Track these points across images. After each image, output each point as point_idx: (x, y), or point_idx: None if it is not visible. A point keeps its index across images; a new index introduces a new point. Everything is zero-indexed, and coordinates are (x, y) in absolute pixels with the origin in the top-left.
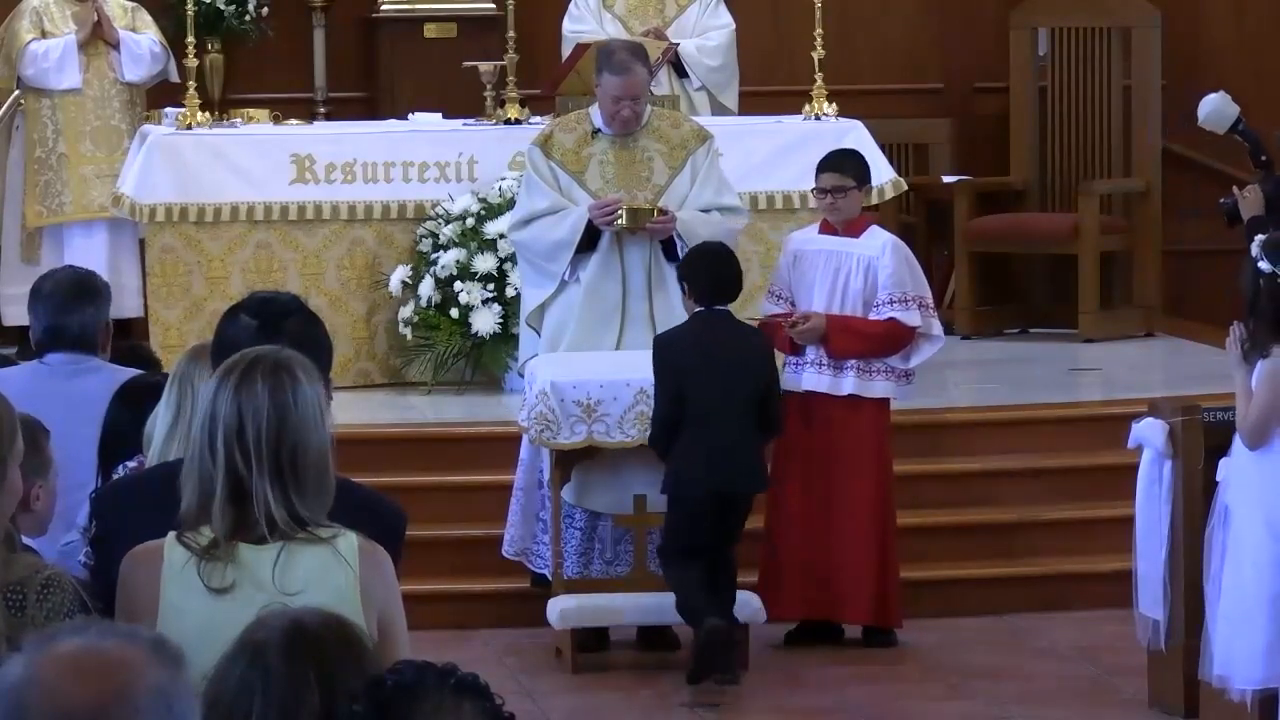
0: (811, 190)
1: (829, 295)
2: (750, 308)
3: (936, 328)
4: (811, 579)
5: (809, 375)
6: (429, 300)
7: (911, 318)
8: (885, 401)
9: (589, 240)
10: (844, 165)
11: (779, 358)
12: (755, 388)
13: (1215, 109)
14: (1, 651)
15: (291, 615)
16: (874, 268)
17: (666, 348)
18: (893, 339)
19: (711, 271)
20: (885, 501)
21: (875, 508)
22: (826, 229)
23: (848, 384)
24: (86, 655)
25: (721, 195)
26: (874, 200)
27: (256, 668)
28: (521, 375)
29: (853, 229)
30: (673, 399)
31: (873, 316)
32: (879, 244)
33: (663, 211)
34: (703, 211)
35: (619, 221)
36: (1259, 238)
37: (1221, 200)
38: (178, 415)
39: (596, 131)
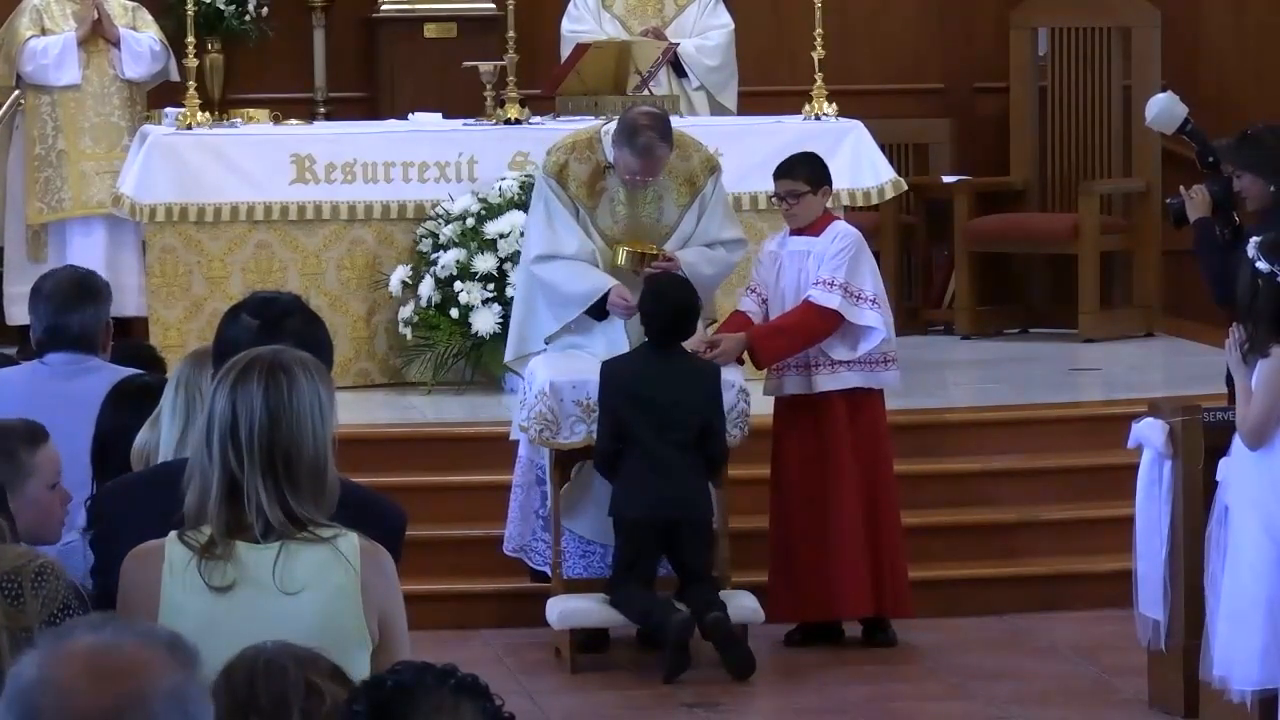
0: (770, 197)
1: (795, 296)
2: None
3: (870, 318)
4: (813, 578)
5: (789, 379)
6: (429, 300)
7: (829, 300)
8: (868, 394)
9: (600, 307)
10: (796, 171)
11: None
12: (696, 422)
13: (1164, 109)
14: (2, 642)
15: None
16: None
17: (611, 377)
18: (811, 322)
19: (670, 313)
20: (880, 494)
21: (868, 501)
22: (794, 230)
23: (820, 381)
24: (101, 656)
25: (724, 229)
26: (874, 200)
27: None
28: (514, 371)
29: (814, 229)
30: (612, 430)
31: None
32: (832, 237)
33: (668, 257)
34: (706, 246)
35: (619, 262)
36: (1255, 239)
37: (1168, 200)
38: (187, 422)
39: (609, 166)
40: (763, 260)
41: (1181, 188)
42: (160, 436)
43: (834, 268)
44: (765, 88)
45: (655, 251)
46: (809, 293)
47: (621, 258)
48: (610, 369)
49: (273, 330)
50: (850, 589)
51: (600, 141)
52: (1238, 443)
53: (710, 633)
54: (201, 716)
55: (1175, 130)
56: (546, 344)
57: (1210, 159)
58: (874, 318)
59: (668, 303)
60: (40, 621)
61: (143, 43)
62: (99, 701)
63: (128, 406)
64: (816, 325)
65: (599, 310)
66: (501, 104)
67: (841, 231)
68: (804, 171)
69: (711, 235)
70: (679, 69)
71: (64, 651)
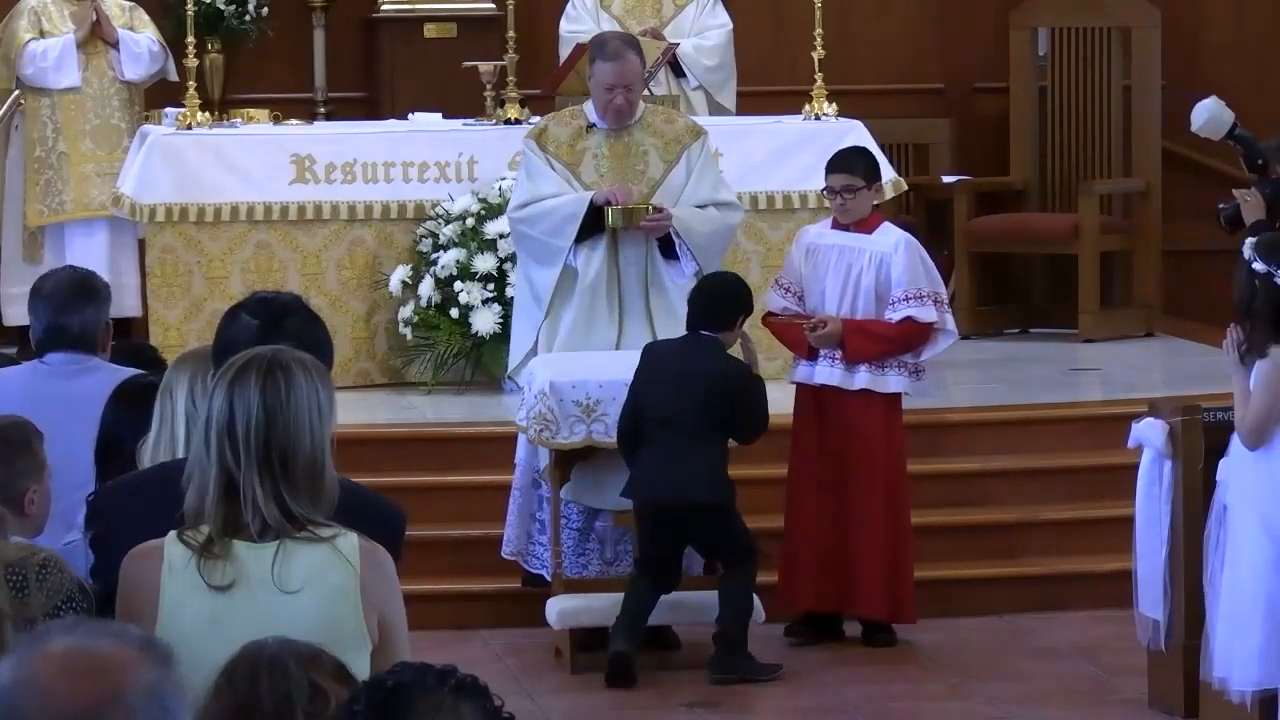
0: (822, 190)
1: (840, 291)
2: (756, 304)
3: (950, 322)
4: (826, 572)
5: (822, 369)
6: (429, 300)
7: (927, 313)
8: (898, 396)
9: (591, 224)
10: (854, 165)
11: (787, 357)
12: (718, 402)
13: (1211, 115)
14: (6, 632)
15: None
16: (886, 264)
17: (647, 355)
18: (909, 338)
19: (703, 300)
20: (898, 497)
21: (888, 503)
22: (839, 225)
23: (861, 378)
24: (79, 656)
25: (718, 191)
26: (875, 200)
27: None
28: (514, 380)
29: (864, 226)
30: (632, 407)
31: (888, 314)
32: (891, 240)
33: (657, 209)
34: (699, 207)
35: (610, 221)
36: (1250, 239)
37: (1221, 205)
38: (160, 427)
39: (591, 126)
40: (792, 257)
41: (1235, 191)
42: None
43: (913, 277)
44: (765, 88)
45: (645, 205)
46: (908, 310)
47: (611, 217)
48: (650, 346)
49: (272, 330)
50: (867, 587)
51: (582, 110)
52: (1236, 443)
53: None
54: (178, 713)
55: (1223, 136)
56: (546, 315)
57: (1259, 161)
58: (953, 323)
59: (704, 289)
60: (44, 613)
61: (141, 44)
62: (79, 700)
63: (131, 406)
64: (912, 339)
65: (589, 228)
66: (501, 104)
67: (902, 236)
68: (861, 166)
69: (704, 196)
70: (677, 69)
71: (41, 653)
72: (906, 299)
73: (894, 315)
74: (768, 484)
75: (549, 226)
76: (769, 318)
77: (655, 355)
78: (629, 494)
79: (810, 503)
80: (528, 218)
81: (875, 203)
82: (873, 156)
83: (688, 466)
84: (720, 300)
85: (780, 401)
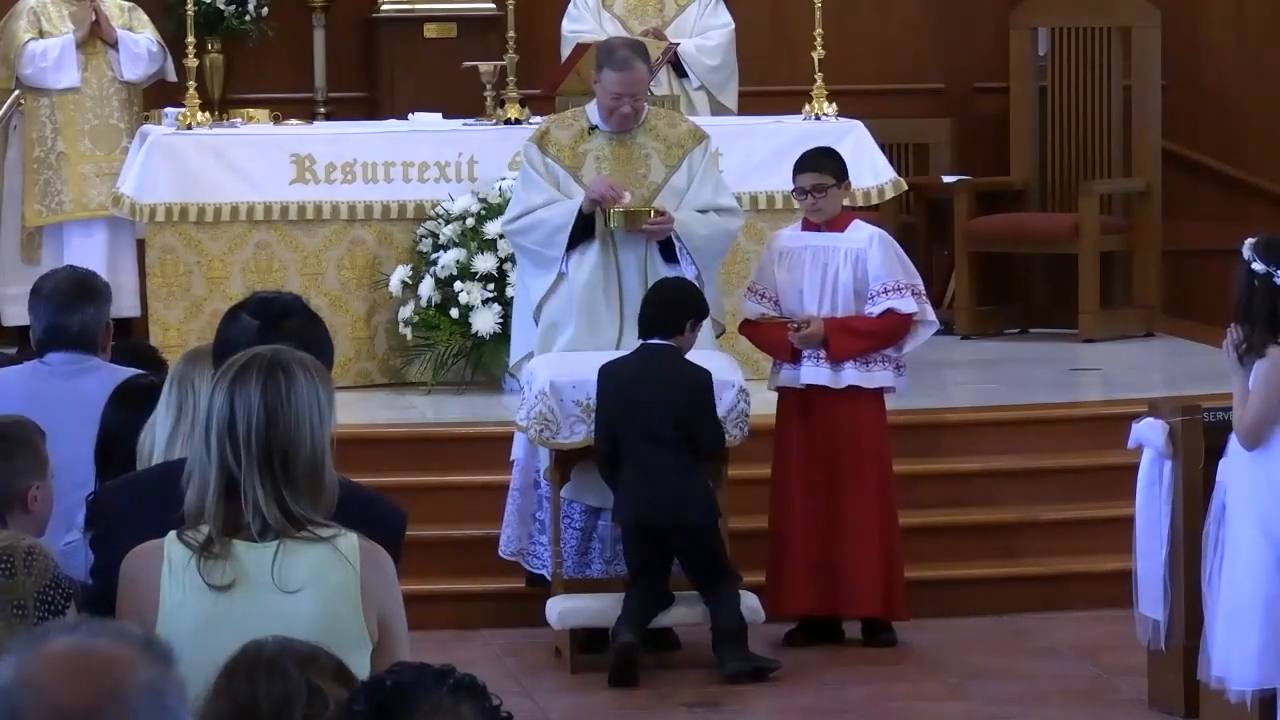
0: (791, 191)
1: (819, 291)
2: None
3: (930, 313)
4: (817, 574)
5: (807, 369)
6: (429, 300)
7: (907, 305)
8: (881, 392)
9: (584, 229)
10: (822, 164)
11: (768, 361)
12: (679, 420)
13: None
14: None
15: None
16: (862, 260)
17: (604, 378)
18: (891, 330)
19: (652, 307)
20: (887, 494)
21: (878, 500)
22: (809, 226)
23: (847, 375)
24: (78, 655)
25: (719, 195)
26: (874, 200)
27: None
28: (514, 377)
29: (836, 225)
30: (605, 432)
31: (868, 309)
32: (865, 236)
33: (660, 212)
34: (700, 212)
35: (612, 224)
36: (1249, 240)
37: None
38: (179, 418)
39: (593, 128)
40: (764, 264)
41: None
42: (154, 435)
43: (890, 270)
44: (765, 88)
45: (647, 209)
46: (888, 302)
47: (613, 219)
48: (605, 368)
49: (273, 330)
50: (862, 586)
51: (584, 111)
52: (1234, 444)
53: (733, 680)
54: (179, 712)
55: None
56: (537, 320)
57: None
58: (933, 314)
59: (654, 295)
60: (33, 595)
61: (140, 44)
62: (80, 699)
63: (132, 406)
64: (895, 332)
65: (583, 233)
66: (501, 104)
67: (875, 232)
68: (830, 165)
69: (705, 200)
70: (679, 69)
71: (41, 652)
72: (885, 292)
73: (874, 309)
74: (761, 485)
75: (540, 237)
76: (746, 325)
77: (617, 375)
78: (617, 516)
79: (799, 506)
80: (521, 229)
81: (863, 204)
82: (839, 156)
83: (676, 487)
84: (667, 307)
85: (765, 402)
